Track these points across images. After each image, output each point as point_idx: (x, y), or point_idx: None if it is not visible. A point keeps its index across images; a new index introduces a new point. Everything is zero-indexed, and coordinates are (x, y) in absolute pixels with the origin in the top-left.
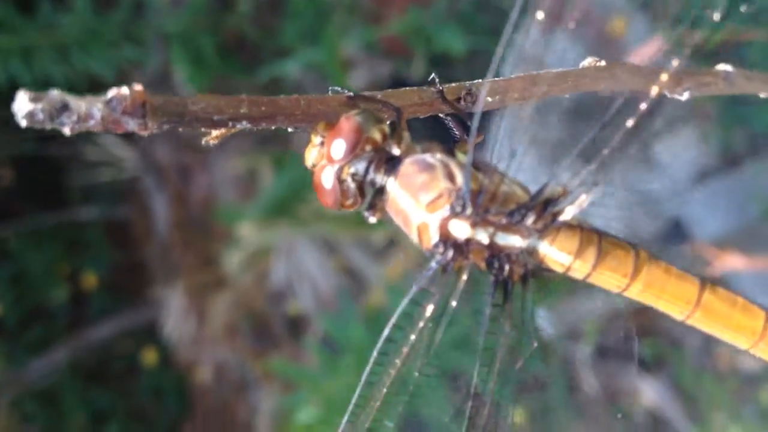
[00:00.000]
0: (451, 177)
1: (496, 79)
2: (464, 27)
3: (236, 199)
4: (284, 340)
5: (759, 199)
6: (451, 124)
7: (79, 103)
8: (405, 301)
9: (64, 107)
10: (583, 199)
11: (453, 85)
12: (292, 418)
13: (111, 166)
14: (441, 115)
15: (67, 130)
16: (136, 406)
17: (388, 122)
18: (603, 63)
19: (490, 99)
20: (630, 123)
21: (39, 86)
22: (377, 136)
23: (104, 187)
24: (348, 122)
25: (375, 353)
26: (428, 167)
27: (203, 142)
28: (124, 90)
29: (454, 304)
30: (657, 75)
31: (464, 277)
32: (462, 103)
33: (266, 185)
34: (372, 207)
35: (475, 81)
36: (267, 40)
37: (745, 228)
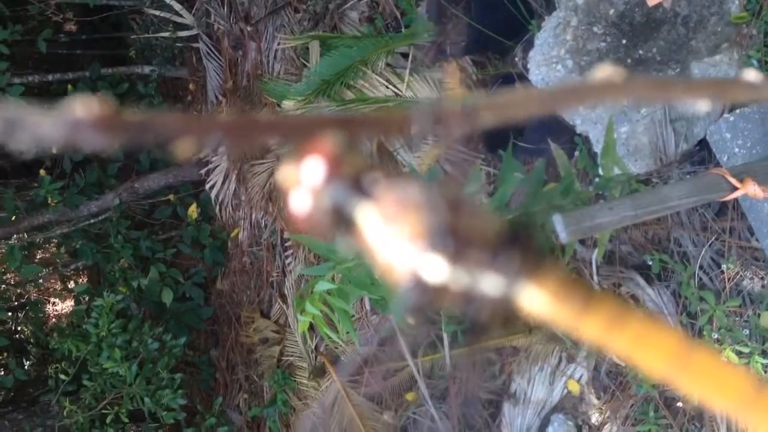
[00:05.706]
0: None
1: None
2: None
3: (284, 75)
4: None
5: None
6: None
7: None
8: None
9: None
10: None
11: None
12: (312, 287)
13: (170, 24)
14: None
15: None
16: (177, 255)
17: (369, 150)
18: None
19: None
20: None
21: None
22: (353, 165)
23: (162, 44)
24: (326, 146)
25: None
26: (402, 206)
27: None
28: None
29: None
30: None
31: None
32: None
33: (312, 65)
34: (345, 233)
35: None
36: None
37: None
